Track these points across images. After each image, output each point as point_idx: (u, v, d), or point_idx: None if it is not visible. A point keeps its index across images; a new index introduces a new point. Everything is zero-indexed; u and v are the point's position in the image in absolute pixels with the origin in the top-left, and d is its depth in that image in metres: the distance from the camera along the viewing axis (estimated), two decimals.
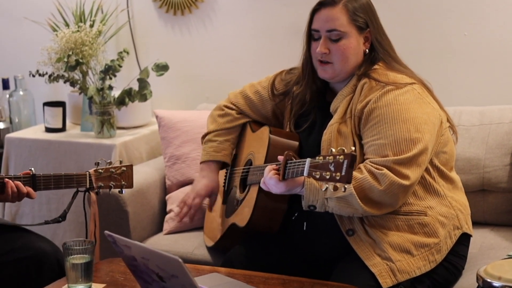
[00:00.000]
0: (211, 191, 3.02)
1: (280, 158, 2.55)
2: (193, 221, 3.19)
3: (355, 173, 2.53)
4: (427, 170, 2.67)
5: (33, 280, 2.76)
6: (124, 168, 2.80)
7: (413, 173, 2.55)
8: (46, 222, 2.80)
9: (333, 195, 2.51)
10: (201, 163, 3.06)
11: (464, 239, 2.77)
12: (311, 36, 2.76)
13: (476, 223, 3.01)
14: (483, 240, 3.07)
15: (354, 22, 2.69)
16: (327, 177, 2.30)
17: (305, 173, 2.37)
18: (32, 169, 2.73)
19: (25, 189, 2.69)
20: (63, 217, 2.78)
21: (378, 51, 2.72)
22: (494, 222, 3.23)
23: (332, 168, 2.29)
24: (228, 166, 3.08)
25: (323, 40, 2.70)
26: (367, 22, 2.71)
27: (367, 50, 2.73)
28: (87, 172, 2.76)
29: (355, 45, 2.70)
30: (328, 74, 2.73)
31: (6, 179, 2.66)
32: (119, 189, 2.80)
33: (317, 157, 2.35)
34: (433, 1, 3.57)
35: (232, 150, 3.07)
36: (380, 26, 2.76)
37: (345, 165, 2.27)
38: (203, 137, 3.10)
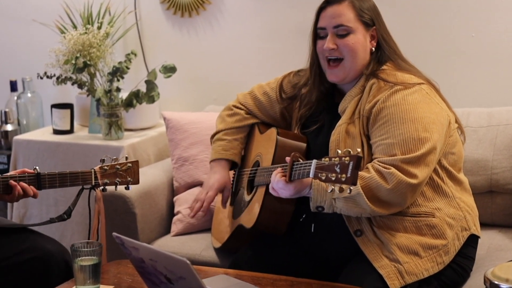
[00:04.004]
0: (223, 185, 3.01)
1: (287, 159, 2.55)
2: (206, 216, 3.15)
3: (363, 173, 2.54)
4: (435, 171, 2.67)
5: (41, 282, 2.76)
6: (130, 164, 2.80)
7: (421, 172, 2.55)
8: (51, 220, 2.80)
9: (340, 195, 2.51)
10: (210, 162, 3.06)
11: (472, 241, 2.76)
12: (317, 35, 2.77)
13: (484, 225, 3.00)
14: (491, 242, 3.07)
15: (360, 18, 2.70)
16: (333, 178, 2.31)
17: (311, 175, 2.38)
18: (37, 167, 2.73)
19: (31, 190, 2.69)
20: (68, 214, 2.78)
21: (384, 49, 2.73)
22: (502, 223, 3.23)
23: (338, 170, 2.30)
24: (237, 165, 3.08)
25: (330, 36, 2.71)
26: (373, 19, 2.71)
27: (373, 48, 2.74)
28: (92, 169, 2.76)
29: (362, 41, 2.71)
30: (337, 77, 2.73)
31: (13, 183, 2.67)
32: (126, 186, 2.80)
33: (323, 159, 2.35)
34: (440, 2, 3.57)
35: (241, 150, 3.07)
36: (385, 25, 2.77)
37: (350, 167, 2.28)
38: (212, 136, 3.10)
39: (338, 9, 2.70)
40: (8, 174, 2.75)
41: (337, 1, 2.72)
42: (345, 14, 2.69)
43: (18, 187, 2.66)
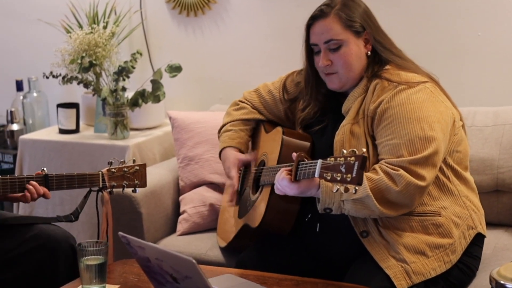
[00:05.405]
0: (240, 162, 2.95)
1: (294, 155, 2.55)
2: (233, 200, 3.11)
3: (371, 175, 2.53)
4: (441, 169, 2.67)
5: (48, 267, 2.77)
6: (137, 167, 2.81)
7: (429, 174, 2.55)
8: (58, 218, 2.81)
9: (349, 197, 2.51)
10: (219, 154, 3.05)
11: (478, 240, 2.76)
12: (310, 51, 2.77)
13: (490, 224, 3.00)
14: (497, 241, 3.06)
15: (349, 28, 2.68)
16: (338, 178, 2.31)
17: (316, 174, 2.38)
18: (45, 169, 2.74)
19: (41, 189, 2.71)
20: (75, 216, 2.79)
21: (379, 51, 2.72)
22: (508, 223, 3.22)
23: (343, 170, 2.30)
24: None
25: (323, 52, 2.70)
26: (363, 25, 2.70)
27: (369, 52, 2.73)
28: (100, 172, 2.77)
29: (355, 51, 2.69)
30: (335, 85, 2.74)
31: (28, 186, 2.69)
32: (133, 189, 2.81)
33: (328, 159, 2.35)
34: (446, 1, 3.56)
35: (247, 141, 3.05)
36: (378, 26, 2.75)
37: (355, 167, 2.27)
38: (219, 131, 3.10)
39: (325, 24, 2.69)
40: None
41: (323, 15, 2.70)
42: (333, 28, 2.68)
43: (31, 184, 2.68)
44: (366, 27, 2.70)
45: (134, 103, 3.82)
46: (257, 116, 3.07)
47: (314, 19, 2.73)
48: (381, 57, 2.72)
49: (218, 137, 3.11)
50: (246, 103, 3.09)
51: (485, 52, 3.53)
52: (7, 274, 2.78)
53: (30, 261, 2.78)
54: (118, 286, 2.54)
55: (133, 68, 3.77)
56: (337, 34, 2.67)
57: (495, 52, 3.52)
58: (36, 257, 2.77)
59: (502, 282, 2.24)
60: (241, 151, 3.03)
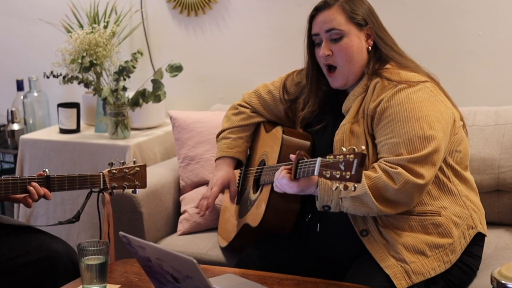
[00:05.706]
0: (227, 181, 3.02)
1: (292, 157, 2.55)
2: (209, 213, 3.13)
3: (370, 173, 2.53)
4: (441, 169, 2.67)
5: (48, 281, 2.77)
6: (138, 168, 2.82)
7: (428, 172, 2.54)
8: (60, 223, 2.81)
9: (347, 195, 2.51)
10: (215, 160, 3.06)
11: (478, 239, 2.76)
12: (312, 43, 2.77)
13: (491, 224, 3.00)
14: (498, 241, 3.06)
15: (352, 20, 2.69)
16: (338, 176, 2.31)
17: (316, 172, 2.38)
18: (46, 170, 2.75)
19: (42, 190, 2.71)
20: (76, 217, 2.80)
21: (381, 48, 2.72)
22: (509, 222, 3.22)
23: (343, 167, 2.30)
24: (242, 164, 3.08)
25: (325, 42, 2.71)
26: (365, 19, 2.71)
27: (370, 47, 2.73)
28: (101, 173, 2.77)
29: (357, 43, 2.70)
30: (339, 83, 2.74)
31: (29, 188, 2.69)
32: (133, 190, 2.81)
33: (327, 156, 2.35)
34: (447, 1, 3.56)
35: (246, 148, 3.07)
36: (381, 24, 2.77)
37: (355, 164, 2.28)
38: (218, 135, 3.11)
39: (328, 14, 2.70)
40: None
41: (326, 6, 2.72)
42: (336, 18, 2.69)
43: (33, 186, 2.69)
44: (369, 22, 2.71)
45: (134, 102, 3.82)
46: (257, 119, 3.07)
47: (317, 10, 2.74)
48: (381, 53, 2.72)
49: (216, 140, 3.11)
50: (245, 107, 3.08)
51: (486, 51, 3.53)
52: (5, 281, 2.78)
53: (30, 272, 2.78)
54: (119, 286, 2.54)
55: (134, 67, 3.77)
56: (339, 24, 2.68)
57: (496, 51, 3.51)
58: (37, 269, 2.77)
59: (503, 281, 2.23)
60: (239, 161, 3.05)
